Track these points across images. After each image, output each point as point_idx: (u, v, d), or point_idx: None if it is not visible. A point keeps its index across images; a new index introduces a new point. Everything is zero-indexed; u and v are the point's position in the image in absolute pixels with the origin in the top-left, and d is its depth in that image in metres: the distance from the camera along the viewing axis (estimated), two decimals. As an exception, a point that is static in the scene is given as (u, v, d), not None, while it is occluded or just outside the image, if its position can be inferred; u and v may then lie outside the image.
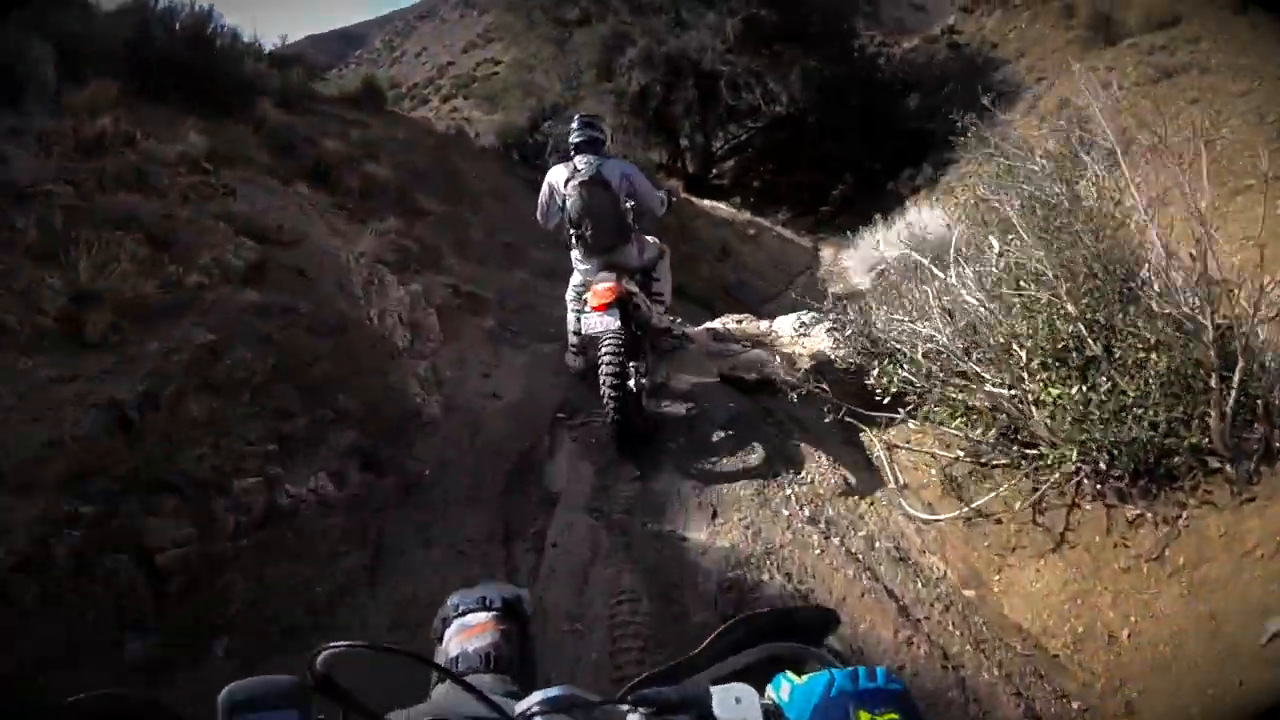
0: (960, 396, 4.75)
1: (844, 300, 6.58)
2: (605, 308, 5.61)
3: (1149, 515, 4.10)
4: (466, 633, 1.73)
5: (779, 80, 20.39)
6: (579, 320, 6.29)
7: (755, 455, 5.87)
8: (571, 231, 6.10)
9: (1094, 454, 4.13)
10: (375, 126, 12.33)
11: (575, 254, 6.34)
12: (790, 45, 20.30)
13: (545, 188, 6.29)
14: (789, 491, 5.40)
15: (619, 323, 5.59)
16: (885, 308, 5.63)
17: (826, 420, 5.37)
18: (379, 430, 5.69)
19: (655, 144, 23.32)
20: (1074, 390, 4.17)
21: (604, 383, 5.57)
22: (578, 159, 6.08)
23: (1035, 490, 4.49)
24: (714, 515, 5.28)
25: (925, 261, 5.19)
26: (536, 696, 1.13)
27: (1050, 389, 4.29)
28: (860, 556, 4.80)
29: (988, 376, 4.53)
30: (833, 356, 6.09)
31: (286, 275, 6.34)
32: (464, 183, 11.66)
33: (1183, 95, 16.39)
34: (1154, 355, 4.08)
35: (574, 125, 6.26)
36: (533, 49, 23.15)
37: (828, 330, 6.19)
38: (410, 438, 5.93)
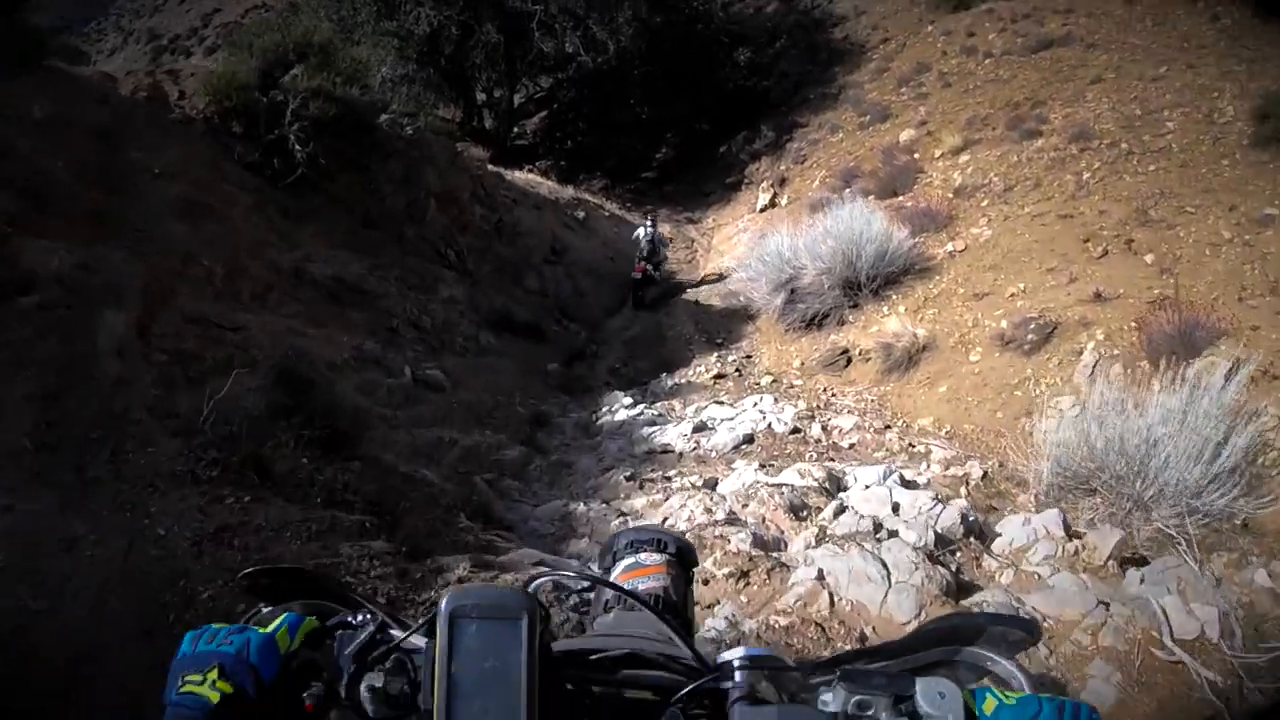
0: None
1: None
2: (641, 270, 12.48)
3: None
4: (639, 571, 1.58)
5: (604, 24, 15.49)
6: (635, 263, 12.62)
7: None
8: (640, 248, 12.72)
9: None
10: (4, 98, 6.37)
11: (639, 250, 12.73)
12: (617, -20, 15.41)
13: (636, 235, 13.08)
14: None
15: (646, 272, 12.54)
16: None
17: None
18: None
19: (447, 98, 17.77)
20: None
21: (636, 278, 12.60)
22: (644, 227, 13.00)
23: None
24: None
25: None
26: (740, 651, 1.00)
27: None
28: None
29: None
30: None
31: None
32: (135, 192, 6.13)
33: (1077, 73, 13.45)
34: None
35: (647, 224, 13.21)
36: (302, -17, 16.61)
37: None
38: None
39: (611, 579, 1.58)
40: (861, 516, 4.12)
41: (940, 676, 0.92)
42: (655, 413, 7.82)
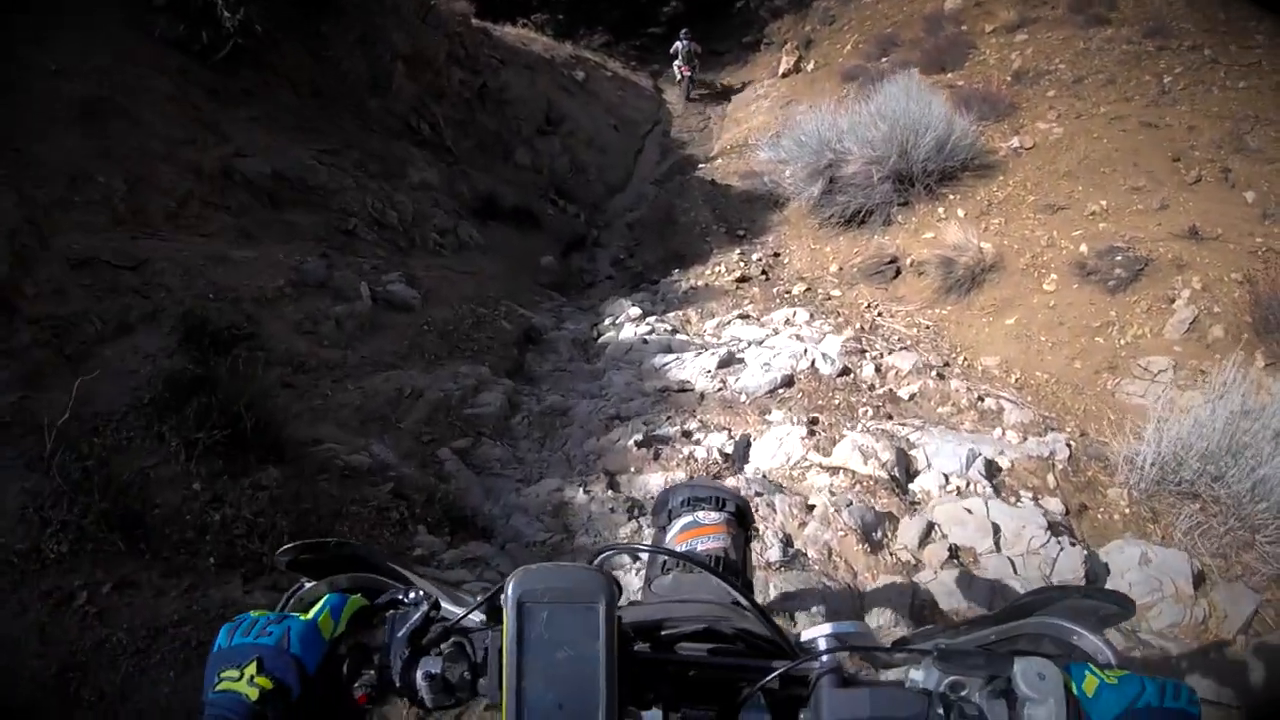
0: None
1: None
2: (688, 70, 14.93)
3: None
4: (697, 530, 1.53)
5: None
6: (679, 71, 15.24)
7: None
8: (679, 57, 15.05)
9: None
10: None
11: (678, 60, 15.01)
12: None
13: (675, 48, 15.05)
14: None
15: (691, 73, 15.02)
16: None
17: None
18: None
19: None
20: None
21: (684, 79, 15.26)
22: (681, 41, 14.91)
23: None
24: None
25: None
26: (826, 628, 0.96)
27: None
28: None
29: None
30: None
31: None
32: (22, 101, 4.72)
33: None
34: None
35: (683, 37, 14.84)
36: None
37: None
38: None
39: (668, 538, 1.55)
40: (954, 554, 3.13)
41: (1040, 656, 0.86)
42: (668, 327, 6.70)
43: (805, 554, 3.09)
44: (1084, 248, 6.08)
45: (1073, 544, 3.31)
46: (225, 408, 2.94)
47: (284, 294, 4.58)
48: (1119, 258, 5.75)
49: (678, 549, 1.46)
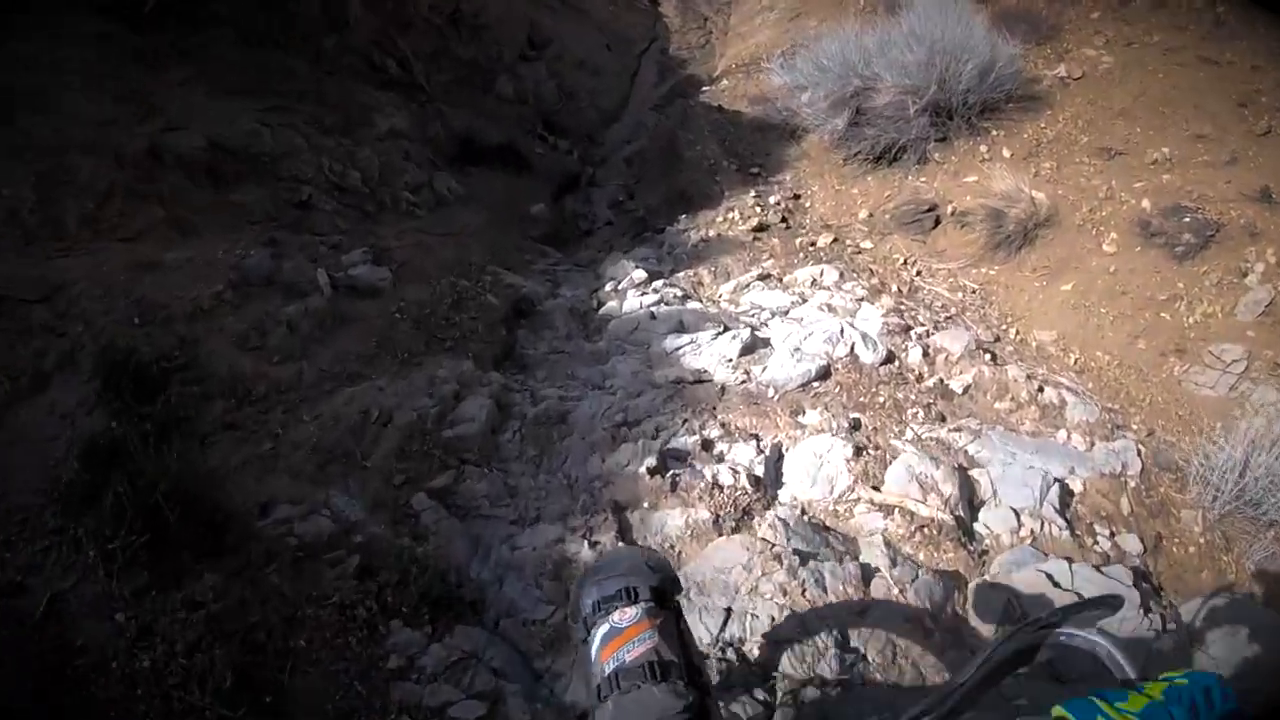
0: None
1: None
2: None
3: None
4: (619, 639, 1.42)
5: None
6: None
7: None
8: None
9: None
10: None
11: None
12: None
13: None
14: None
15: None
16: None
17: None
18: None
19: None
20: None
21: None
22: None
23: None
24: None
25: None
26: None
27: None
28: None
29: None
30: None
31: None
32: None
33: None
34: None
35: None
36: None
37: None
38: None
39: (592, 656, 1.44)
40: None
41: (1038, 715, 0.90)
42: (678, 292, 6.09)
43: (866, 658, 2.57)
44: (1146, 203, 5.45)
45: (1164, 625, 2.81)
46: (142, 500, 2.39)
47: (223, 301, 3.97)
48: (1187, 219, 5.13)
49: (606, 668, 1.38)
